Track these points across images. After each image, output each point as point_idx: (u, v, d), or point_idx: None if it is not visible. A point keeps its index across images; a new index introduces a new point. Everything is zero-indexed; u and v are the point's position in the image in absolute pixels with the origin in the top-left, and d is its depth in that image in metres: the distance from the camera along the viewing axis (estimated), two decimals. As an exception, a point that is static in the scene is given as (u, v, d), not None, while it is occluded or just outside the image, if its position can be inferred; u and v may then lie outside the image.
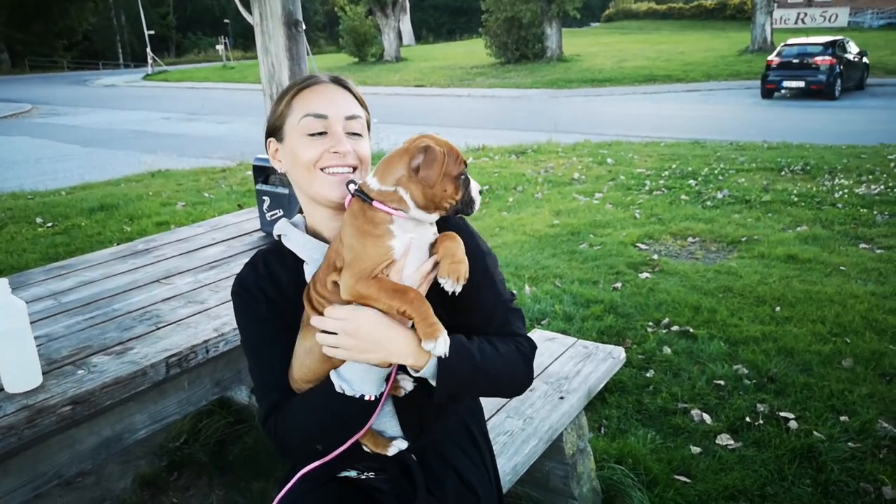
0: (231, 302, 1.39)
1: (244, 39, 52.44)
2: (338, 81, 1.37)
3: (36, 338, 1.79)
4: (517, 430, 2.06)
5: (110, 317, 2.06)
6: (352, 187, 1.23)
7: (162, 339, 1.88)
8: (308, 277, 1.31)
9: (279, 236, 1.39)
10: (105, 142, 14.49)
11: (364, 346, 1.18)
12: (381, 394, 1.24)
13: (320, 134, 1.31)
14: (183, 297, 2.21)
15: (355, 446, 1.30)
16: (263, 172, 2.82)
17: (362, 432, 1.26)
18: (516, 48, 28.37)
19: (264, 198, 2.80)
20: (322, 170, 1.30)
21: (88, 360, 1.76)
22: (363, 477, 1.43)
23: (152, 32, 41.78)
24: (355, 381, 1.21)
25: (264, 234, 2.88)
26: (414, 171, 1.16)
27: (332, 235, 1.34)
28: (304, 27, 2.73)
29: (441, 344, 1.16)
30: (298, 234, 1.36)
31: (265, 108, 2.88)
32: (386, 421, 1.35)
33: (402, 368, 1.27)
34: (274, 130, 1.37)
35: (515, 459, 1.92)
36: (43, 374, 1.64)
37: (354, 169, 1.32)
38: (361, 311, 1.18)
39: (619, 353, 2.52)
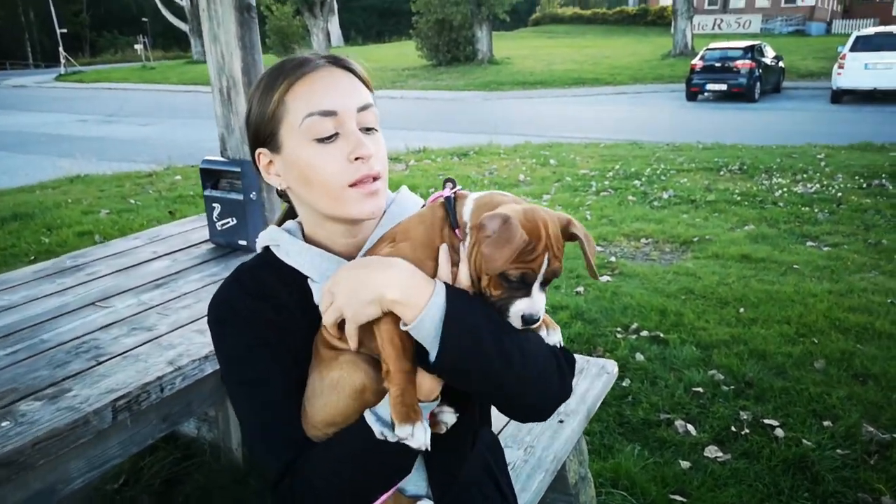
0: (209, 331, 1.08)
1: (164, 39, 50.58)
2: (337, 62, 1.07)
3: (-55, 382, 1.46)
4: (520, 462, 1.84)
5: (38, 350, 1.73)
6: (448, 188, 1.01)
7: (105, 378, 1.57)
8: (317, 297, 1.05)
9: (266, 248, 1.13)
10: (16, 146, 13.44)
11: (352, 287, 0.94)
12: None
13: (331, 137, 1.02)
14: (126, 323, 1.90)
15: None
16: (213, 176, 2.51)
17: (403, 481, 1.01)
18: (447, 50, 28.31)
19: (214, 205, 2.49)
20: (351, 186, 1.03)
21: (15, 408, 1.44)
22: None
23: (65, 31, 39.54)
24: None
25: (214, 245, 2.57)
26: (482, 236, 0.90)
27: (344, 250, 1.09)
28: (256, 13, 2.45)
29: (419, 433, 0.92)
30: (302, 245, 1.09)
31: (215, 105, 2.54)
32: (411, 474, 1.09)
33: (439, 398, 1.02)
34: (265, 138, 1.06)
35: (524, 497, 1.71)
36: (-44, 430, 1.32)
37: (377, 177, 1.05)
38: (341, 269, 0.99)
39: (612, 367, 2.35)
